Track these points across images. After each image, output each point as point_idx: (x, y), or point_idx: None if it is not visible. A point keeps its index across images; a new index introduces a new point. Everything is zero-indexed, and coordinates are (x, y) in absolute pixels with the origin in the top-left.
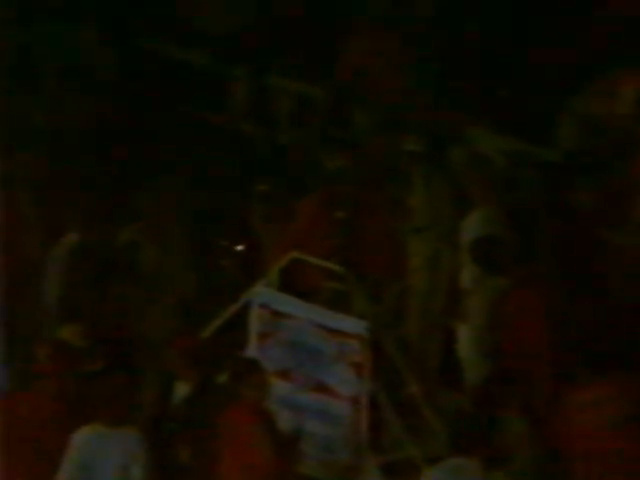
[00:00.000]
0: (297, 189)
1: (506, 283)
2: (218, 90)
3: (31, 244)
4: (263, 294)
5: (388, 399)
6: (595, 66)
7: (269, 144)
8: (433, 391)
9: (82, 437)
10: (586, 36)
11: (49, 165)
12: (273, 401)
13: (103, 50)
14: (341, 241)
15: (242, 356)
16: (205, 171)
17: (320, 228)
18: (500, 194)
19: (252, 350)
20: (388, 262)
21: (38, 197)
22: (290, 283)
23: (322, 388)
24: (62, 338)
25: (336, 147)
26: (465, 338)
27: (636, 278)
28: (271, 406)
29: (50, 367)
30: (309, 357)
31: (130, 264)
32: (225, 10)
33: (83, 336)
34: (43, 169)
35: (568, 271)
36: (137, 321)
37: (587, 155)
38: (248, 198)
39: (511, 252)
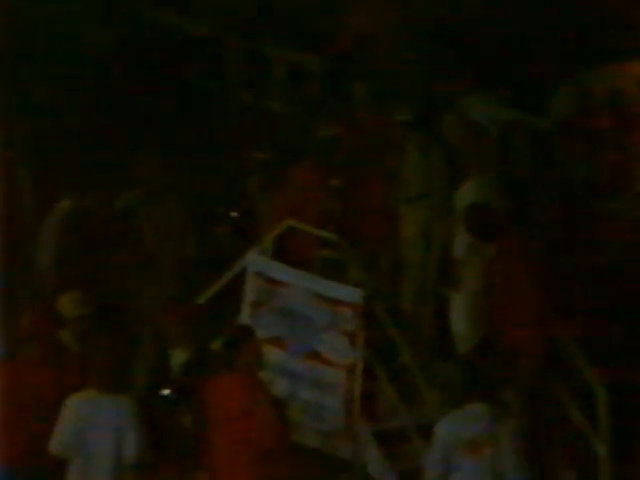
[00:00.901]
0: (292, 157)
1: (497, 251)
2: (215, 59)
3: (25, 210)
4: (258, 262)
5: (381, 368)
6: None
7: (265, 112)
8: (426, 360)
9: (76, 402)
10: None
11: (46, 131)
12: (266, 368)
13: (102, 20)
14: (335, 209)
15: (237, 323)
16: (202, 139)
17: (315, 196)
18: (494, 163)
19: (246, 317)
20: (382, 231)
21: (33, 163)
22: (284, 251)
23: (315, 356)
24: (59, 305)
25: (331, 116)
26: (458, 307)
27: (631, 247)
28: (264, 374)
29: (33, 332)
30: (302, 325)
31: (125, 231)
32: None
33: (80, 303)
34: (40, 135)
35: (562, 239)
36: (133, 288)
37: (583, 125)
38: (245, 166)
39: (503, 220)
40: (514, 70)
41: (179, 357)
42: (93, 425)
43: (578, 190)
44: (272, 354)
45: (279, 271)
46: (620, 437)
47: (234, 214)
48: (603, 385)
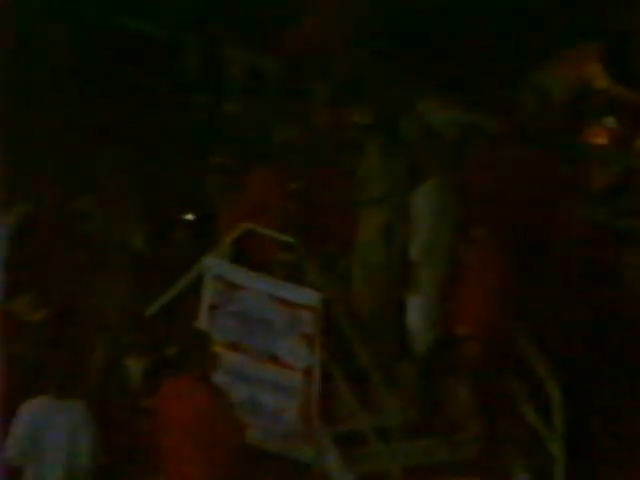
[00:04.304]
0: (250, 160)
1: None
2: (170, 60)
3: None
4: (216, 265)
5: (340, 370)
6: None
7: (220, 114)
8: (385, 362)
9: (29, 408)
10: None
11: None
12: (224, 372)
13: (51, 21)
14: (294, 212)
15: (191, 328)
16: (158, 141)
17: (273, 199)
18: (451, 165)
19: (204, 321)
20: (342, 233)
21: None
22: (243, 254)
23: (273, 359)
24: (11, 310)
25: (288, 118)
26: (414, 309)
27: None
28: (222, 378)
29: None
30: (260, 328)
31: (80, 234)
32: None
33: (34, 307)
34: None
35: (523, 241)
36: (88, 292)
37: (536, 124)
38: (202, 169)
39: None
40: (473, 72)
41: (136, 366)
42: (47, 430)
43: (537, 190)
44: (230, 358)
45: (237, 274)
46: (574, 436)
47: (191, 218)
48: (558, 385)
